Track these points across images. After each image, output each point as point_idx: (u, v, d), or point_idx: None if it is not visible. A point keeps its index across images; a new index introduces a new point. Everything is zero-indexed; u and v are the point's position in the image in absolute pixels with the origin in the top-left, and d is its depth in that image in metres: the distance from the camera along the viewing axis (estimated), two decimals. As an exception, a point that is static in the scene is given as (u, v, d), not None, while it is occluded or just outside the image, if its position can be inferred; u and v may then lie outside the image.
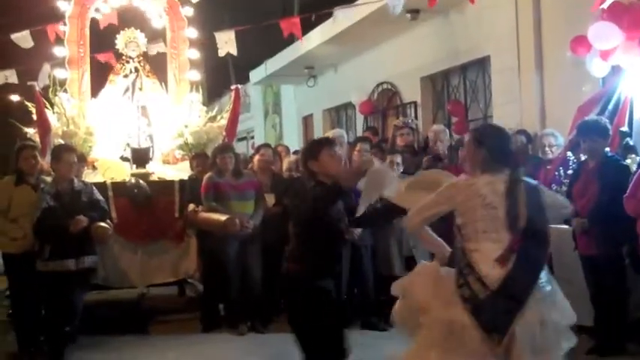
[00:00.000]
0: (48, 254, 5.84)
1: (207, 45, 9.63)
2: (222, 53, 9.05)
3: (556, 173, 6.33)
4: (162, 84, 8.80)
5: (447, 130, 8.26)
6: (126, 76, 8.55)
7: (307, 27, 11.42)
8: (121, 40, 8.63)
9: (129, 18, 9.06)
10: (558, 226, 5.32)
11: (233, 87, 8.81)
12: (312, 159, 4.04)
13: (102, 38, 9.26)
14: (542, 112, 8.00)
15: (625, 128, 6.26)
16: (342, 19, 9.37)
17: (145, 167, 7.77)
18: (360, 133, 12.29)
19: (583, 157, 5.79)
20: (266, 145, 8.07)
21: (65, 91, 8.28)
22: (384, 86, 12.12)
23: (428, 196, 3.68)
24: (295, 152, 9.11)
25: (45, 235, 5.86)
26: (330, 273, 4.02)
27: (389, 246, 6.77)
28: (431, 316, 3.49)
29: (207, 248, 6.99)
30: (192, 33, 8.99)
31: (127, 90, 8.47)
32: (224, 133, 8.24)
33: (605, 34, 6.05)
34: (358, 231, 6.07)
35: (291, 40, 12.95)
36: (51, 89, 8.14)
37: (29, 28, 9.32)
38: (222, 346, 6.39)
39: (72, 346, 6.10)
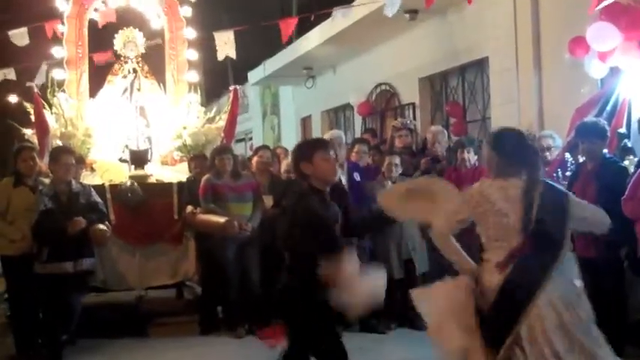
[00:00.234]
0: (46, 256, 5.84)
1: (206, 46, 9.62)
2: (221, 57, 9.04)
3: (554, 175, 6.32)
4: (161, 85, 8.80)
5: (446, 132, 8.25)
6: (124, 76, 8.54)
7: (306, 28, 11.44)
8: (119, 41, 8.62)
9: (127, 19, 9.05)
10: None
11: (231, 88, 8.81)
12: (304, 161, 3.83)
13: (100, 39, 9.24)
14: (541, 113, 7.99)
15: (623, 130, 6.26)
16: (340, 19, 9.36)
17: (143, 169, 7.76)
18: (358, 134, 12.29)
19: (581, 159, 5.78)
20: (264, 147, 8.07)
21: (63, 91, 8.27)
22: (383, 87, 12.12)
23: (422, 205, 3.63)
24: (293, 154, 9.10)
25: (43, 237, 5.85)
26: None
27: (388, 249, 6.76)
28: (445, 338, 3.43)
29: (205, 250, 6.98)
30: (191, 33, 8.98)
31: (125, 91, 8.47)
32: (222, 135, 8.23)
33: (603, 36, 6.04)
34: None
35: (289, 40, 12.97)
36: (49, 90, 8.13)
37: (27, 25, 9.31)
38: (220, 349, 6.39)
39: (70, 349, 6.10)
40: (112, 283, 7.23)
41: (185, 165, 8.09)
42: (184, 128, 8.34)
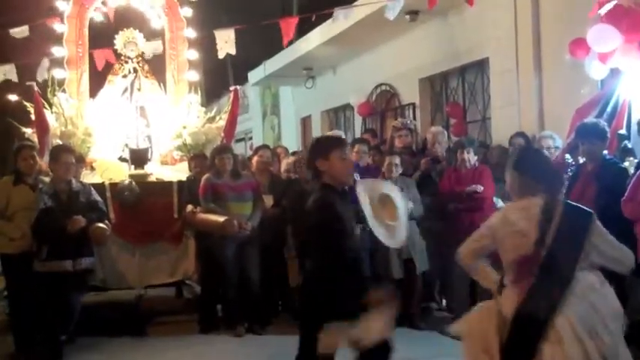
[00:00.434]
0: (45, 255, 5.84)
1: (206, 46, 9.62)
2: (221, 55, 9.05)
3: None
4: (161, 85, 8.80)
5: (446, 132, 8.25)
6: (125, 76, 8.55)
7: (306, 28, 11.44)
8: (119, 41, 8.63)
9: (128, 18, 9.05)
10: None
11: (232, 88, 8.82)
12: (321, 158, 3.74)
13: (101, 39, 9.25)
14: (541, 114, 8.00)
15: (623, 131, 6.27)
16: (341, 20, 9.36)
17: (143, 168, 7.77)
18: (358, 134, 12.30)
19: (581, 160, 5.79)
20: (264, 147, 8.07)
21: (64, 91, 8.28)
22: (383, 88, 12.12)
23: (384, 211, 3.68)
24: (294, 153, 9.10)
25: (42, 235, 5.86)
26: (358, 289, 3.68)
27: (388, 249, 6.76)
28: None
29: (205, 249, 6.99)
30: (191, 34, 8.99)
31: (125, 90, 8.48)
32: (222, 134, 8.24)
33: (604, 37, 6.06)
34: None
35: (290, 40, 12.96)
36: (49, 89, 8.13)
37: (28, 24, 9.32)
38: (219, 348, 6.39)
39: (69, 347, 6.10)
40: (111, 281, 7.24)
41: (185, 164, 8.10)
42: (184, 128, 8.35)
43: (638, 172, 5.16)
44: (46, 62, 8.97)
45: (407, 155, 7.43)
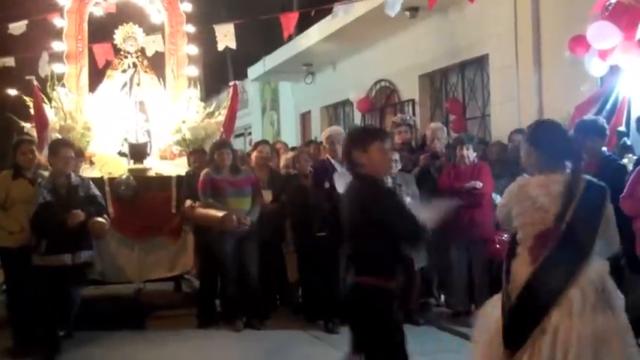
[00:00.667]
0: (44, 248, 5.83)
1: (206, 41, 9.62)
2: (221, 47, 9.04)
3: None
4: (160, 79, 8.80)
5: (445, 128, 8.27)
6: (124, 71, 8.55)
7: (306, 24, 11.44)
8: (119, 36, 8.62)
9: (128, 13, 9.04)
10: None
11: (231, 83, 8.81)
12: (359, 150, 3.54)
13: (101, 33, 9.24)
14: (540, 111, 8.01)
15: (622, 128, 6.27)
16: (340, 16, 9.36)
17: (142, 163, 7.76)
18: (357, 130, 12.27)
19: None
20: (264, 142, 8.07)
21: (63, 85, 8.28)
22: (382, 84, 12.13)
23: None
24: (293, 149, 9.11)
25: (41, 229, 5.85)
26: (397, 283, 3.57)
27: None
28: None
29: (204, 244, 6.99)
30: (191, 29, 8.99)
31: (124, 85, 8.48)
32: (222, 129, 8.24)
33: (603, 34, 6.06)
34: None
35: (289, 36, 12.93)
36: (49, 84, 8.13)
37: (27, 18, 9.31)
38: (218, 342, 6.40)
39: (68, 341, 6.11)
40: (110, 275, 7.24)
41: (184, 159, 8.10)
42: (183, 122, 8.35)
43: (636, 169, 5.16)
44: (46, 56, 8.97)
45: (406, 151, 7.43)
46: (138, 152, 7.80)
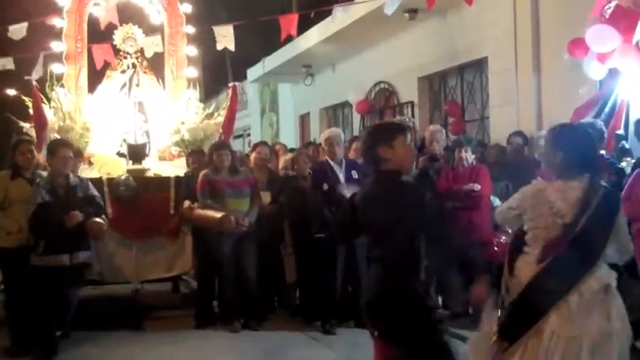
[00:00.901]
0: (42, 249, 5.83)
1: (205, 42, 9.61)
2: (220, 47, 9.03)
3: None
4: (160, 80, 8.80)
5: (444, 131, 8.26)
6: (123, 71, 8.54)
7: (305, 25, 11.44)
8: (118, 36, 8.62)
9: (127, 14, 9.04)
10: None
11: (230, 84, 8.82)
12: (384, 145, 3.44)
13: (100, 34, 9.23)
14: (539, 113, 8.02)
15: (621, 131, 6.28)
16: (340, 18, 9.36)
17: (141, 163, 7.76)
18: (356, 132, 12.32)
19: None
20: (263, 143, 8.07)
21: (62, 85, 8.27)
22: (382, 86, 12.14)
23: None
24: (292, 150, 9.11)
25: (40, 229, 5.85)
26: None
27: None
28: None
29: (202, 245, 6.99)
30: (190, 30, 8.99)
31: (124, 86, 8.48)
32: (221, 131, 8.23)
33: (602, 37, 6.07)
34: None
35: (289, 38, 12.93)
36: (48, 84, 8.13)
37: (27, 20, 9.30)
38: (215, 343, 6.39)
39: (66, 341, 6.11)
40: (108, 276, 7.23)
41: (183, 160, 8.10)
42: (182, 123, 8.35)
43: (635, 172, 5.17)
44: (40, 60, 8.95)
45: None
46: (137, 153, 7.80)
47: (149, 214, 7.33)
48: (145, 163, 7.83)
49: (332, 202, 6.46)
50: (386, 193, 3.40)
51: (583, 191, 3.28)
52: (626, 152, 6.05)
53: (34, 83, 7.64)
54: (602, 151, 5.60)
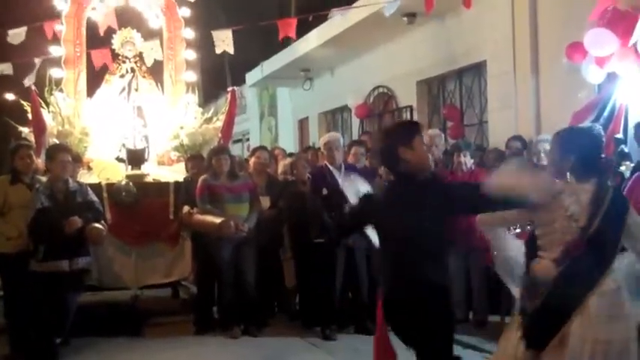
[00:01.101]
0: (42, 254, 5.82)
1: (204, 46, 9.61)
2: (219, 50, 9.03)
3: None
4: (159, 85, 8.80)
5: (443, 135, 8.27)
6: (122, 76, 8.55)
7: (304, 29, 11.45)
8: (117, 40, 8.62)
9: (126, 19, 9.04)
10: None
11: (229, 89, 8.81)
12: (404, 146, 3.34)
13: (99, 39, 9.23)
14: (538, 117, 8.02)
15: (620, 135, 6.28)
16: (338, 22, 9.36)
17: (140, 168, 7.76)
18: (355, 136, 12.31)
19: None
20: (262, 148, 8.06)
21: (61, 90, 8.27)
22: (380, 90, 12.14)
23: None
24: (291, 155, 9.10)
25: (39, 235, 5.84)
26: None
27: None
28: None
29: (201, 250, 6.98)
30: (189, 34, 8.99)
31: (122, 90, 8.48)
32: (220, 135, 8.23)
33: (601, 41, 6.07)
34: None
35: (287, 42, 12.93)
36: (47, 88, 8.12)
37: (26, 25, 9.30)
38: (215, 349, 6.38)
39: (65, 348, 6.09)
40: (107, 281, 7.22)
41: (182, 165, 8.09)
42: (181, 128, 8.35)
43: (634, 176, 5.17)
44: (36, 67, 8.94)
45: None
46: (136, 158, 7.79)
47: (148, 219, 7.33)
48: (144, 168, 7.83)
49: (331, 207, 6.46)
50: (409, 195, 3.33)
51: (593, 193, 3.31)
52: (625, 156, 6.04)
53: (33, 88, 7.64)
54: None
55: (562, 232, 3.33)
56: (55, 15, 8.69)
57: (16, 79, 9.18)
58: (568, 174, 3.40)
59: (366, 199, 3.65)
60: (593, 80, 6.57)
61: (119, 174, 7.67)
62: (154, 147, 8.35)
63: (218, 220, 6.45)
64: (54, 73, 8.37)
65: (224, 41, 9.03)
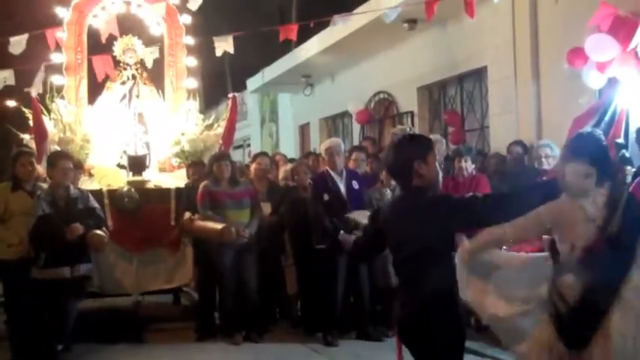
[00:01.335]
0: (43, 261, 5.82)
1: (205, 52, 9.61)
2: (219, 53, 9.05)
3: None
4: (160, 91, 8.81)
5: (444, 140, 8.26)
6: (123, 83, 8.56)
7: (305, 36, 11.46)
8: (118, 47, 8.64)
9: (127, 26, 9.06)
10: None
11: (230, 95, 8.83)
12: (420, 160, 3.26)
13: (100, 46, 9.25)
14: (539, 123, 8.01)
15: (621, 140, 6.28)
16: (339, 28, 9.36)
17: (141, 175, 7.76)
18: (356, 142, 12.30)
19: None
20: (263, 154, 8.07)
21: (62, 97, 8.28)
22: (381, 96, 12.14)
23: None
24: (292, 161, 9.10)
25: (40, 242, 5.85)
26: None
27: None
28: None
29: (203, 257, 6.98)
30: (190, 41, 9.01)
31: (124, 97, 8.49)
32: (221, 141, 8.24)
33: (601, 46, 6.08)
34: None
35: (288, 48, 12.94)
36: (48, 95, 8.14)
37: (27, 32, 9.32)
38: (217, 356, 6.38)
39: (67, 355, 6.09)
40: (108, 288, 7.22)
41: (183, 171, 8.09)
42: (182, 135, 8.36)
43: (635, 181, 5.17)
44: (41, 73, 8.96)
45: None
46: (137, 164, 7.80)
47: (150, 225, 7.33)
48: (146, 175, 7.83)
49: (333, 213, 6.47)
50: (417, 210, 3.25)
51: (608, 196, 3.39)
52: (626, 161, 6.04)
53: (34, 95, 7.65)
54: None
55: (581, 236, 3.37)
56: (56, 23, 8.71)
57: (17, 86, 9.19)
58: (583, 179, 3.40)
59: (374, 215, 3.67)
60: (593, 85, 6.58)
61: (120, 180, 7.68)
62: (155, 153, 8.36)
63: (219, 226, 6.46)
64: (55, 80, 8.39)
65: (224, 42, 9.02)
